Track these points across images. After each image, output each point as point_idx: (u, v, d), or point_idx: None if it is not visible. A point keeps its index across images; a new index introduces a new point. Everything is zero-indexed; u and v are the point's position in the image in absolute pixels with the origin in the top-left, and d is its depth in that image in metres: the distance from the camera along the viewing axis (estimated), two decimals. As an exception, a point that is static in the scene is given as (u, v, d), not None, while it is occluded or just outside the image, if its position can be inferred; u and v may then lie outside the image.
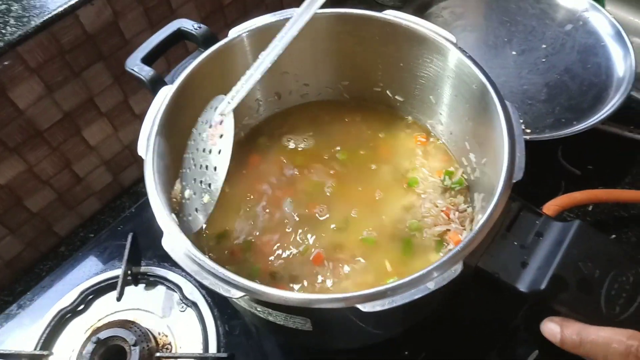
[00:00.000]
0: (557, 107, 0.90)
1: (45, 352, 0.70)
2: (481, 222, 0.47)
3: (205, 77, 0.62)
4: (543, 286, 0.43)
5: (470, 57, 0.57)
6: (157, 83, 0.63)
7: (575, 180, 0.89)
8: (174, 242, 0.48)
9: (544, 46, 1.00)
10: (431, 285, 0.44)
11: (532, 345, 0.74)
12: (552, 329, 0.46)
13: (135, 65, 0.63)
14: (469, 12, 1.08)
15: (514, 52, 0.99)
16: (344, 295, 0.44)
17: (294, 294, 0.43)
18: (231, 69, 0.65)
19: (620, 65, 0.92)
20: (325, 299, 0.44)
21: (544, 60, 0.97)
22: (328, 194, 0.69)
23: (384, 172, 0.71)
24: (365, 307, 0.43)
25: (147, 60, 0.64)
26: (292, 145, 0.75)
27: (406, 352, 0.70)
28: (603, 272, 0.44)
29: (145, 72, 0.63)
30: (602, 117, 0.84)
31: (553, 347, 0.74)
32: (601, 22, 0.99)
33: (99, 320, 0.75)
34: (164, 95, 0.58)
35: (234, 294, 0.45)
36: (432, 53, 0.63)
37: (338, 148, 0.73)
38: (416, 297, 0.43)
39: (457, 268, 0.45)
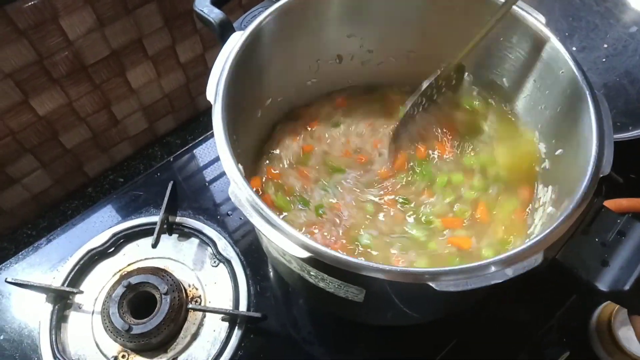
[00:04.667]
0: (614, 110, 0.86)
1: (74, 290, 0.69)
2: (565, 213, 0.44)
3: (281, 27, 0.59)
4: (627, 287, 0.41)
5: (561, 41, 0.54)
6: (226, 28, 0.60)
7: (616, 188, 0.87)
8: (241, 192, 0.46)
9: (605, 46, 0.96)
10: (509, 272, 0.42)
11: (563, 347, 0.73)
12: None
13: (205, 6, 0.60)
14: (531, 1, 1.04)
15: (574, 48, 0.95)
16: (419, 270, 0.42)
17: (369, 262, 0.41)
18: (310, 22, 0.62)
19: (683, 75, 0.89)
20: (399, 272, 0.42)
21: (604, 60, 0.94)
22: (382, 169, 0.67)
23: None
24: (439, 286, 0.41)
25: (217, 2, 0.61)
26: (346, 117, 0.73)
27: (437, 338, 0.69)
28: (690, 280, 0.42)
29: (214, 14, 0.60)
30: (660, 126, 0.81)
31: (585, 350, 0.73)
32: (669, 28, 0.95)
33: (129, 265, 0.74)
34: (235, 41, 0.55)
35: (300, 254, 0.43)
36: (518, 33, 0.59)
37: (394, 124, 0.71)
38: (493, 282, 0.41)
39: (538, 258, 0.43)
